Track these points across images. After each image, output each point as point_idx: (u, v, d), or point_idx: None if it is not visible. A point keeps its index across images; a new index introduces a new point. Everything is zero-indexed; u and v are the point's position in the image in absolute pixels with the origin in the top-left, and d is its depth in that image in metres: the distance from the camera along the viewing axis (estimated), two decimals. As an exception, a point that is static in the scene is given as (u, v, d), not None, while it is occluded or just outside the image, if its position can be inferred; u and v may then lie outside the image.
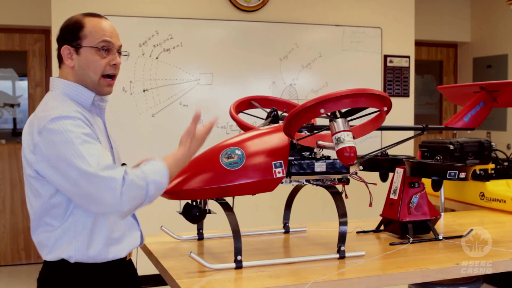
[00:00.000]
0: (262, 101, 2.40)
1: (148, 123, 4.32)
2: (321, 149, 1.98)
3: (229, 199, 1.90)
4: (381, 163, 2.51)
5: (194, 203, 1.90)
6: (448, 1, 6.18)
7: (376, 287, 1.77)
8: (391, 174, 2.43)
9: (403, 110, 5.09)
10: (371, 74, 4.97)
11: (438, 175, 2.27)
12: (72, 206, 1.60)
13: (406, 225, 2.23)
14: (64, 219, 1.60)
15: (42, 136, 1.54)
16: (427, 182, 2.37)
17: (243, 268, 1.81)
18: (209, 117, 1.72)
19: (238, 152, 1.87)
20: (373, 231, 2.38)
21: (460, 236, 2.24)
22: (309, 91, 4.78)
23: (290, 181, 1.95)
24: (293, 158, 1.92)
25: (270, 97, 2.46)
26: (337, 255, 1.93)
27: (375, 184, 2.09)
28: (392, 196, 2.32)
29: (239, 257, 1.80)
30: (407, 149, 4.95)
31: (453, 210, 3.25)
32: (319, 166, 1.94)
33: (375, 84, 4.95)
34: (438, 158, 2.46)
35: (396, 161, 2.44)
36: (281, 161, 1.88)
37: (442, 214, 2.76)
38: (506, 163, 3.11)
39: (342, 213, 1.92)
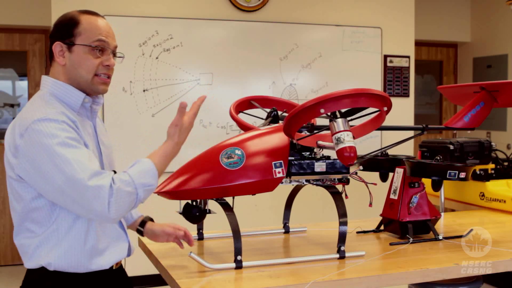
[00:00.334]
0: (262, 101, 2.40)
1: (148, 123, 4.32)
2: (321, 149, 1.98)
3: (229, 199, 1.89)
4: (381, 163, 2.51)
5: (194, 203, 1.90)
6: (448, 1, 6.18)
7: (376, 287, 1.77)
8: (391, 174, 2.43)
9: (403, 110, 5.09)
10: (371, 74, 4.97)
11: (438, 175, 2.27)
12: (57, 213, 1.54)
13: (406, 225, 2.23)
14: (47, 225, 1.55)
15: (24, 139, 1.47)
16: (427, 182, 2.37)
17: (243, 268, 1.81)
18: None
19: (238, 152, 1.87)
20: (373, 231, 2.38)
21: (460, 236, 2.24)
22: (309, 91, 4.78)
23: (290, 181, 1.95)
24: (293, 158, 1.92)
25: (270, 97, 2.45)
26: (337, 255, 1.93)
27: (375, 184, 2.09)
28: (392, 196, 2.32)
29: (239, 257, 1.80)
30: (407, 149, 4.95)
31: (453, 210, 3.25)
32: (319, 166, 1.94)
33: (375, 84, 4.95)
34: (438, 158, 2.46)
35: (396, 161, 2.44)
36: (281, 161, 1.88)
37: (442, 214, 2.76)
38: (506, 163, 3.11)
39: (342, 213, 1.92)
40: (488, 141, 3.03)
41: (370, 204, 2.06)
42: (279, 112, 2.23)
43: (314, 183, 2.00)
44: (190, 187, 1.81)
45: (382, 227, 2.38)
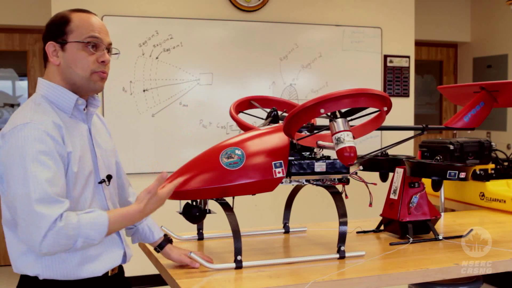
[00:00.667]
0: (262, 101, 2.40)
1: (148, 123, 4.32)
2: (321, 149, 1.98)
3: (229, 199, 1.89)
4: (381, 163, 2.51)
5: (194, 203, 1.90)
6: (448, 1, 6.18)
7: (376, 287, 1.77)
8: (391, 174, 2.43)
9: (403, 110, 5.09)
10: (371, 74, 4.97)
11: (438, 175, 2.27)
12: None
13: (406, 225, 2.23)
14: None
15: (4, 141, 1.48)
16: (427, 182, 2.37)
17: (243, 268, 1.81)
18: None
19: (238, 152, 1.87)
20: (373, 231, 2.38)
21: (460, 236, 2.24)
22: (309, 91, 4.78)
23: (290, 181, 1.95)
24: (293, 158, 1.92)
25: (270, 97, 2.45)
26: (337, 255, 1.93)
27: (375, 184, 2.09)
28: (392, 196, 2.32)
29: (239, 257, 1.80)
30: (407, 149, 4.95)
31: (453, 210, 3.25)
32: (319, 166, 1.94)
33: (375, 84, 4.95)
34: (438, 158, 2.46)
35: (396, 161, 2.44)
36: (281, 161, 1.88)
37: (442, 214, 2.76)
38: (506, 163, 3.11)
39: (342, 213, 1.92)
40: (488, 141, 3.03)
41: (370, 204, 2.06)
42: (279, 112, 2.23)
43: (314, 183, 2.00)
44: (190, 187, 1.81)
45: (382, 227, 2.39)
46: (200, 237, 2.23)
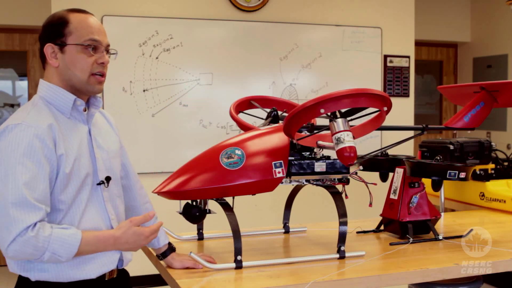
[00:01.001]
0: (262, 101, 2.40)
1: (148, 123, 4.32)
2: (321, 149, 1.98)
3: (229, 199, 1.89)
4: (381, 163, 2.51)
5: (194, 203, 1.90)
6: (448, 1, 6.18)
7: (376, 287, 1.77)
8: (391, 174, 2.43)
9: (403, 110, 5.09)
10: (371, 74, 4.97)
11: (438, 175, 2.27)
12: None
13: (406, 225, 2.23)
14: None
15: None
16: (427, 182, 2.37)
17: (243, 268, 1.81)
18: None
19: (238, 152, 1.87)
20: (373, 231, 2.38)
21: (460, 236, 2.24)
22: (309, 91, 4.78)
23: (290, 181, 1.95)
24: (293, 158, 1.92)
25: (270, 97, 2.45)
26: (337, 255, 1.93)
27: (375, 184, 2.09)
28: (392, 196, 2.32)
29: (239, 257, 1.80)
30: (407, 149, 4.95)
31: (453, 210, 3.24)
32: (319, 166, 1.94)
33: (375, 84, 4.95)
34: (438, 158, 2.46)
35: (396, 161, 2.44)
36: (281, 161, 1.88)
37: (442, 214, 2.76)
38: (506, 163, 3.11)
39: (342, 213, 1.92)
40: (488, 141, 3.03)
41: (370, 204, 2.06)
42: (279, 112, 2.23)
43: (314, 183, 2.00)
44: (190, 187, 1.81)
45: (382, 227, 2.38)
46: (200, 237, 2.23)
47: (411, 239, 2.19)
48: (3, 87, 5.27)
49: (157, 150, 4.34)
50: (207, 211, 1.88)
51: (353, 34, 4.88)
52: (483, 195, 2.98)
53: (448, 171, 2.24)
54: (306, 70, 4.77)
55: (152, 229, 1.60)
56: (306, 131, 2.05)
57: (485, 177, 2.99)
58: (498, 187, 2.95)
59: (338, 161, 1.92)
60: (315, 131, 1.99)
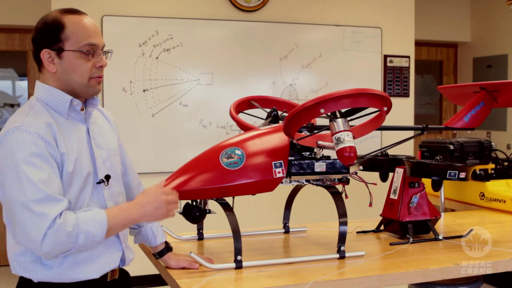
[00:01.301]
0: (262, 101, 2.40)
1: (148, 123, 4.32)
2: (321, 149, 1.98)
3: (229, 199, 1.89)
4: (381, 163, 2.51)
5: (194, 203, 1.90)
6: (448, 1, 6.18)
7: (376, 287, 1.77)
8: (391, 174, 2.43)
9: (403, 110, 5.09)
10: (371, 74, 4.97)
11: (438, 175, 2.27)
12: None
13: (406, 225, 2.23)
14: None
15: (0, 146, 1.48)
16: (427, 182, 2.37)
17: (243, 268, 1.81)
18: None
19: (238, 152, 1.87)
20: (373, 231, 2.38)
21: (460, 236, 2.24)
22: (309, 91, 4.78)
23: (290, 181, 1.95)
24: (293, 158, 1.92)
25: (270, 97, 2.45)
26: (337, 255, 1.93)
27: (375, 184, 2.09)
28: (392, 196, 2.32)
29: (239, 257, 1.80)
30: (407, 149, 4.95)
31: (453, 210, 3.24)
32: (319, 166, 1.94)
33: (375, 84, 4.95)
34: (438, 158, 2.46)
35: (396, 161, 2.44)
36: (281, 161, 1.88)
37: (442, 214, 2.76)
38: (506, 163, 3.11)
39: (342, 213, 1.92)
40: (488, 141, 3.03)
41: (370, 204, 2.06)
42: (279, 112, 2.23)
43: (314, 183, 2.00)
44: (190, 187, 1.81)
45: (382, 227, 2.38)
46: (200, 237, 2.22)
47: (411, 239, 2.19)
48: (3, 87, 5.27)
49: (157, 150, 4.34)
50: (207, 211, 1.88)
51: (353, 34, 4.88)
52: (483, 195, 2.98)
53: (448, 171, 2.24)
54: (306, 70, 4.76)
55: (168, 188, 1.64)
56: (306, 131, 2.05)
57: (485, 177, 2.99)
58: (498, 187, 2.95)
59: (338, 161, 1.92)
60: (315, 131, 1.99)
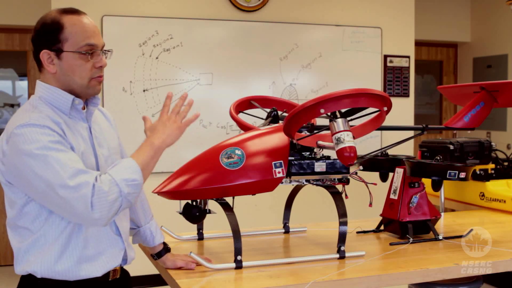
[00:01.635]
0: (262, 101, 2.40)
1: (148, 123, 4.31)
2: (321, 149, 1.98)
3: (229, 199, 1.89)
4: (381, 163, 2.51)
5: (194, 203, 1.90)
6: (448, 1, 6.18)
7: (376, 287, 1.77)
8: (391, 174, 2.43)
9: (403, 110, 5.09)
10: (371, 74, 4.97)
11: (438, 175, 2.27)
12: (45, 216, 1.51)
13: (406, 225, 2.23)
14: (36, 229, 1.52)
15: (9, 145, 1.45)
16: (427, 182, 2.37)
17: (243, 268, 1.81)
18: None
19: (238, 152, 1.87)
20: (373, 231, 2.38)
21: (460, 236, 2.24)
22: (309, 91, 4.78)
23: (290, 181, 1.95)
24: (293, 158, 1.92)
25: (270, 97, 2.45)
26: (337, 255, 1.93)
27: (375, 184, 2.09)
28: (392, 196, 2.32)
29: (239, 257, 1.80)
30: (407, 149, 4.95)
31: (453, 210, 3.25)
32: (319, 166, 1.94)
33: (375, 84, 4.95)
34: (438, 158, 2.46)
35: (396, 161, 2.44)
36: (281, 161, 1.88)
37: (442, 214, 2.76)
38: (506, 163, 3.11)
39: (342, 213, 1.92)
40: (488, 141, 3.03)
41: (370, 204, 2.06)
42: (279, 112, 2.23)
43: (314, 183, 2.00)
44: (190, 187, 1.81)
45: (382, 227, 2.38)
46: (200, 237, 2.23)
47: (411, 239, 2.19)
48: (3, 87, 5.27)
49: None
50: (207, 211, 1.88)
51: (353, 34, 4.88)
52: (483, 195, 2.98)
53: (448, 171, 2.24)
54: (306, 70, 4.76)
55: (167, 116, 1.77)
56: (306, 131, 2.05)
57: (485, 177, 3.00)
58: (498, 187, 2.95)
59: (338, 161, 1.92)
60: (315, 131, 1.99)
